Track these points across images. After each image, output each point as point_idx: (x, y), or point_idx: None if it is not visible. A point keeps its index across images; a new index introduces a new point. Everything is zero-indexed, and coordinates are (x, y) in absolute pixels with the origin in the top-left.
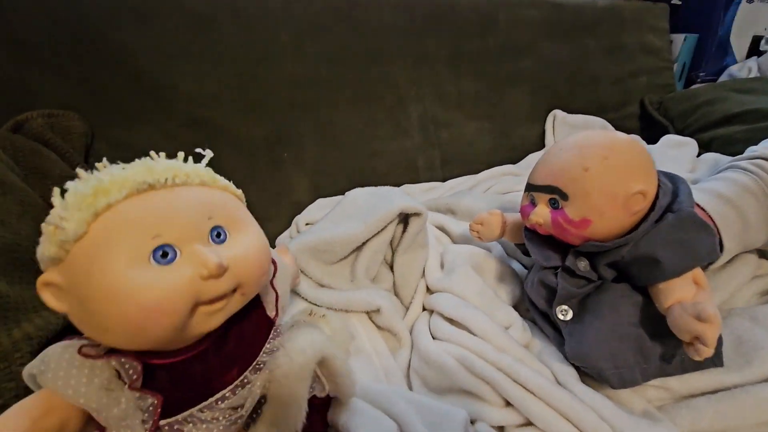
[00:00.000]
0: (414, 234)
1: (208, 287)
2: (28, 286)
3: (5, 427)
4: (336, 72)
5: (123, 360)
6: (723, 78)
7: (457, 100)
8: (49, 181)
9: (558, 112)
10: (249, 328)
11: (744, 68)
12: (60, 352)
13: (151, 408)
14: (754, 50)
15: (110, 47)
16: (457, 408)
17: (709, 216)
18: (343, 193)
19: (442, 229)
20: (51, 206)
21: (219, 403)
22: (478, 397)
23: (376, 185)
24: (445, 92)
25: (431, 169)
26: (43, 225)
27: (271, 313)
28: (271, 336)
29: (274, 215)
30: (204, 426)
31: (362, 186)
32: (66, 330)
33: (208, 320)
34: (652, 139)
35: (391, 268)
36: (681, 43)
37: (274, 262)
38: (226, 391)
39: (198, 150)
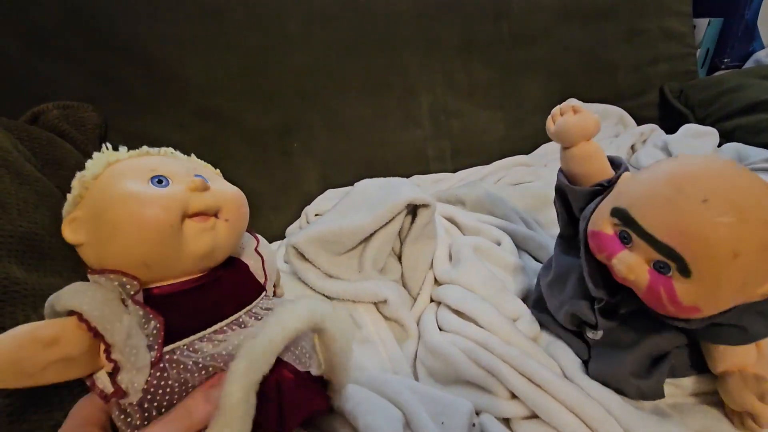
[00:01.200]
0: (422, 225)
1: (193, 199)
2: (44, 273)
3: (6, 344)
4: (345, 61)
5: (124, 279)
6: (749, 64)
7: (469, 89)
8: (65, 172)
9: (573, 101)
10: (240, 277)
11: None
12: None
13: (155, 331)
14: None
15: (123, 38)
16: (462, 399)
17: None
18: (352, 184)
19: (451, 220)
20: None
21: (218, 334)
22: (484, 389)
23: (385, 176)
24: (456, 81)
25: (441, 159)
26: (73, 185)
27: (261, 279)
28: (262, 296)
29: (283, 205)
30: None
31: (372, 176)
32: None
33: (198, 238)
34: (671, 128)
35: (400, 259)
36: (705, 27)
37: (255, 236)
38: (223, 324)
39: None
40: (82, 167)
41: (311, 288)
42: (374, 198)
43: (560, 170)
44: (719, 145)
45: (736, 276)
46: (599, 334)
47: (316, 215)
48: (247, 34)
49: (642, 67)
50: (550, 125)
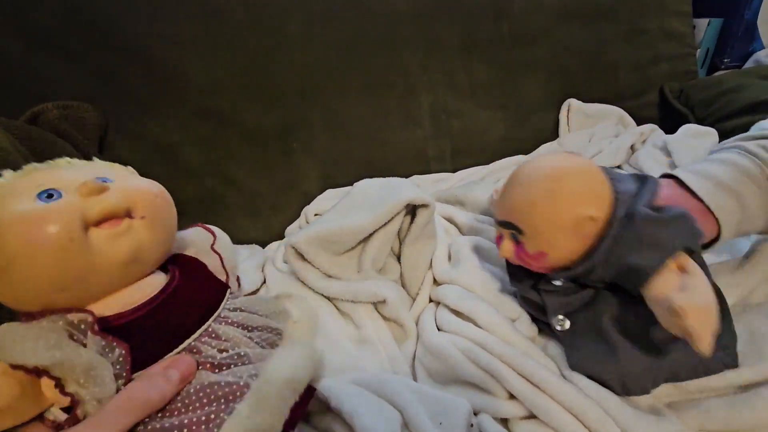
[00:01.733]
0: (422, 225)
1: (92, 204)
2: None
3: None
4: (346, 60)
5: (69, 316)
6: (749, 64)
7: (469, 89)
8: None
9: (573, 101)
10: (198, 282)
11: None
12: (4, 327)
13: (120, 359)
14: None
15: (124, 38)
16: (460, 399)
17: (708, 207)
18: (352, 184)
19: (450, 220)
20: None
21: (193, 352)
22: (483, 389)
23: (386, 175)
24: (456, 80)
25: (442, 159)
26: None
27: (222, 277)
28: (227, 297)
29: (283, 205)
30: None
31: (372, 176)
32: None
33: (114, 244)
34: (671, 128)
35: (399, 259)
36: (705, 27)
37: (212, 232)
38: (191, 339)
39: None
40: None
41: (310, 288)
42: (374, 198)
43: None
44: None
45: (542, 216)
46: (566, 323)
47: (316, 215)
48: (248, 34)
49: (642, 67)
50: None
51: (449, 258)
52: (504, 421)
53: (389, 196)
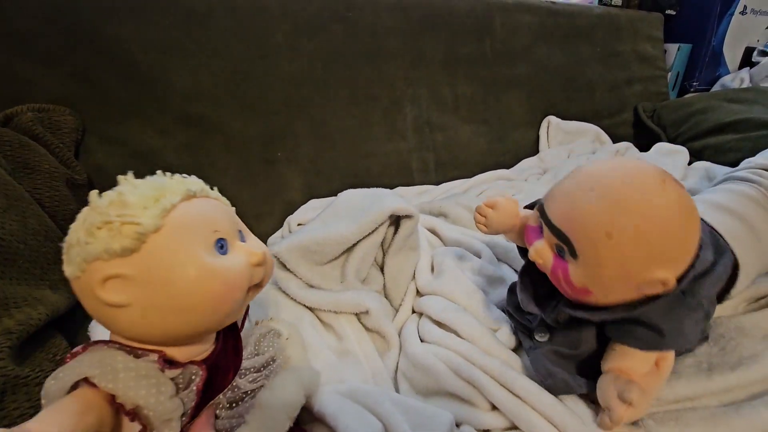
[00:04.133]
0: (405, 236)
1: (254, 273)
2: (10, 281)
3: (53, 422)
4: (331, 72)
5: (189, 367)
6: (716, 88)
7: (453, 103)
8: (37, 176)
9: (552, 119)
10: (234, 336)
11: (736, 78)
12: (125, 362)
13: (189, 410)
14: (746, 61)
15: (104, 41)
16: (442, 410)
17: (716, 231)
18: (336, 194)
19: (433, 231)
20: (42, 203)
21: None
22: (465, 400)
23: (369, 186)
24: (440, 95)
25: (425, 171)
26: (84, 226)
27: (239, 324)
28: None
29: (266, 214)
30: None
31: (356, 187)
32: (48, 326)
33: (240, 308)
34: (644, 146)
35: (382, 269)
36: (675, 52)
37: None
38: (222, 394)
39: (185, 175)
40: (55, 172)
41: (292, 298)
42: (357, 208)
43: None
44: (690, 164)
45: (613, 257)
46: (545, 337)
47: (299, 225)
48: (234, 41)
49: (617, 87)
50: (484, 229)
51: (432, 269)
52: None
53: (373, 207)
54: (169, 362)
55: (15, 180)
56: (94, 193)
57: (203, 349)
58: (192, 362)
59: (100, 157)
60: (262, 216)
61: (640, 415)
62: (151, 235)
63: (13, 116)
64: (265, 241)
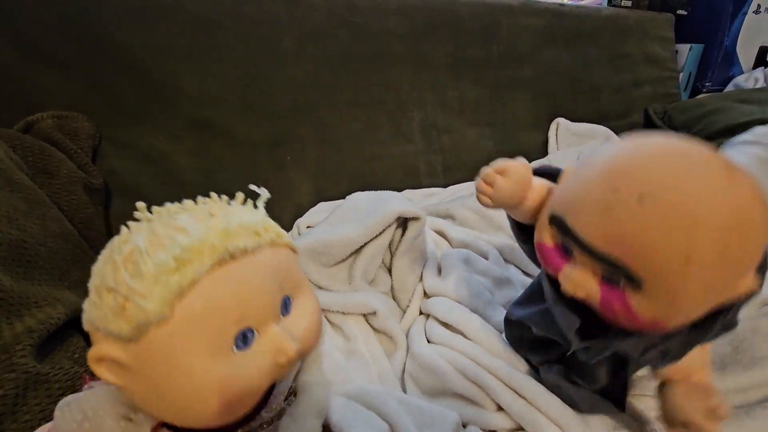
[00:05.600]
0: (412, 238)
1: (280, 365)
2: (31, 281)
3: None
4: (337, 76)
5: None
6: (729, 88)
7: (459, 106)
8: (56, 181)
9: (561, 120)
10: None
11: (750, 78)
12: (116, 419)
13: None
14: (761, 61)
15: (117, 49)
16: (449, 411)
17: None
18: (344, 196)
19: (440, 233)
20: (61, 207)
21: None
22: (471, 400)
23: (377, 189)
24: (446, 98)
25: (433, 174)
26: (96, 284)
27: None
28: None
29: (275, 217)
30: None
31: (364, 190)
32: (67, 325)
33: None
34: None
35: (389, 271)
36: (686, 53)
37: None
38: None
39: (252, 186)
40: (74, 176)
41: None
42: (365, 210)
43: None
44: None
45: (694, 284)
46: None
47: (308, 227)
48: (242, 47)
49: (625, 89)
50: (488, 201)
51: (439, 271)
52: None
53: (380, 209)
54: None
55: (36, 185)
56: (124, 231)
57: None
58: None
59: (113, 161)
60: (272, 219)
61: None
62: (154, 326)
63: (33, 123)
64: None
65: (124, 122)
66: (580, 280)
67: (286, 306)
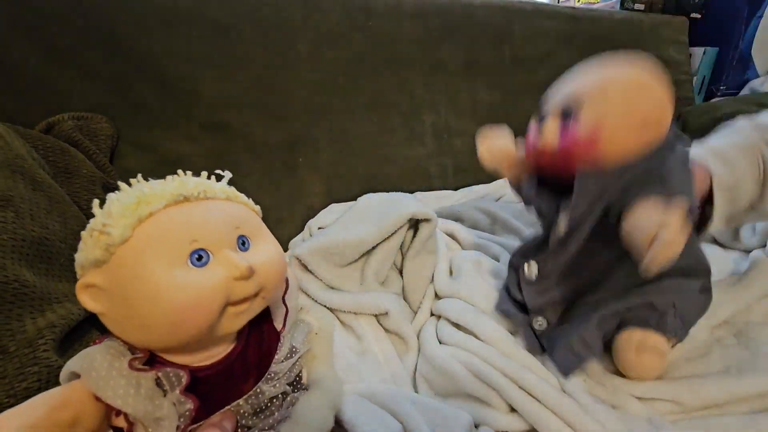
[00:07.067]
0: (424, 239)
1: (237, 288)
2: (53, 277)
3: (21, 413)
4: (352, 79)
5: (168, 370)
6: (744, 92)
7: (472, 110)
8: (76, 180)
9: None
10: (264, 340)
11: (766, 82)
12: (109, 360)
13: (186, 413)
14: None
15: (137, 54)
16: (461, 411)
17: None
18: (355, 198)
19: (452, 236)
20: (80, 206)
21: (233, 410)
22: (483, 402)
23: (388, 191)
24: (459, 101)
25: (444, 176)
26: (83, 233)
27: (278, 326)
28: (278, 347)
29: (287, 218)
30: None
31: (375, 191)
32: (86, 321)
33: (235, 321)
34: None
35: (401, 272)
36: (701, 56)
37: (286, 279)
38: (240, 401)
39: (218, 171)
40: (93, 176)
41: (313, 299)
42: (377, 212)
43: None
44: None
45: (610, 110)
46: (543, 323)
47: (320, 228)
48: (258, 51)
49: None
50: (487, 158)
51: (450, 272)
52: None
53: (392, 211)
54: (157, 363)
55: (57, 183)
56: (96, 201)
57: (209, 355)
58: (176, 365)
59: (131, 162)
60: (284, 220)
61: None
62: (120, 247)
63: (54, 124)
64: (286, 244)
65: (143, 124)
66: (549, 128)
67: (244, 243)
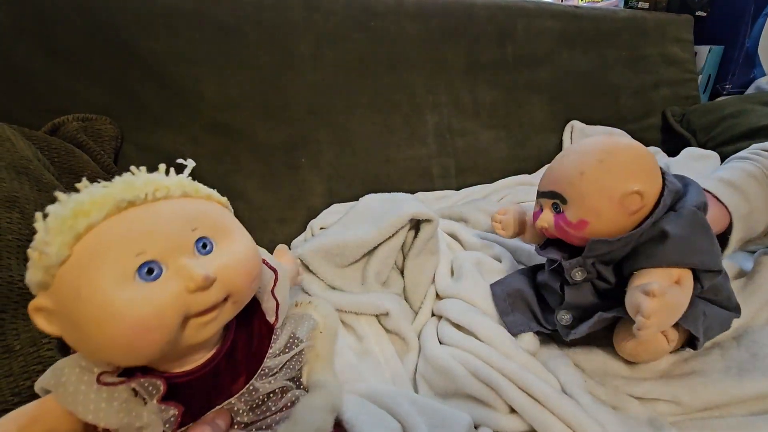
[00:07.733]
0: (425, 240)
1: (197, 300)
2: None
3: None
4: (354, 80)
5: (143, 380)
6: (750, 90)
7: (474, 109)
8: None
9: (576, 123)
10: (254, 336)
11: None
12: (78, 374)
13: (172, 419)
14: None
15: (140, 55)
16: (461, 412)
17: (718, 199)
18: (357, 198)
19: (453, 236)
20: None
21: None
22: (483, 402)
23: (390, 191)
24: (461, 101)
25: (446, 176)
26: (28, 251)
27: (271, 319)
28: (271, 341)
29: (289, 218)
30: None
31: (377, 192)
32: None
33: (201, 331)
34: (673, 151)
35: (402, 273)
36: (706, 54)
37: (275, 270)
38: (232, 399)
39: (179, 160)
40: (97, 177)
41: None
42: (378, 212)
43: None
44: None
45: (589, 186)
46: (570, 319)
47: (321, 228)
48: (260, 53)
49: (643, 91)
50: (504, 233)
51: (452, 273)
52: None
53: (393, 211)
54: (137, 372)
55: (62, 184)
56: (38, 215)
57: (189, 361)
58: (153, 374)
59: (135, 163)
60: (286, 220)
61: (664, 322)
62: (60, 268)
63: (60, 125)
64: (288, 244)
65: (146, 126)
66: (544, 216)
67: (205, 246)
